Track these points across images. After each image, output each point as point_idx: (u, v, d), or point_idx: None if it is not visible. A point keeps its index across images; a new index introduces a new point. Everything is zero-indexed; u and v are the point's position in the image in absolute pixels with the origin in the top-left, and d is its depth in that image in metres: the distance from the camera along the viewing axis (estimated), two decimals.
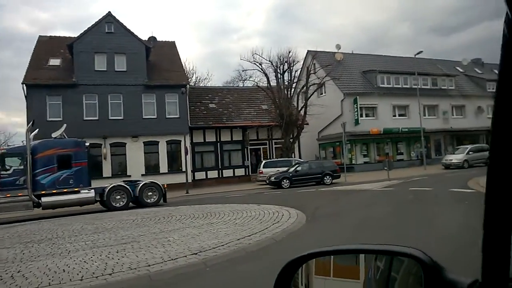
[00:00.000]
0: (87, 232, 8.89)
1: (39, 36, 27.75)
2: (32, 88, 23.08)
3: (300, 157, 28.56)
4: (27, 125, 23.39)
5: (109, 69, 24.72)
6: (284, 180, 20.78)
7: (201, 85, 41.08)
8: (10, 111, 71.91)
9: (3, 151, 13.78)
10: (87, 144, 15.65)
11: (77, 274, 5.13)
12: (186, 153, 23.72)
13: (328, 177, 21.14)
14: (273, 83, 28.85)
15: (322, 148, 34.28)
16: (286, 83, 29.07)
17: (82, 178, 14.71)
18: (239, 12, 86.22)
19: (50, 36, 28.41)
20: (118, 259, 5.79)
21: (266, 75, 28.63)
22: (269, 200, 13.62)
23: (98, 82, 24.08)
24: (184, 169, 24.07)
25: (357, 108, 30.50)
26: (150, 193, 15.66)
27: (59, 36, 28.45)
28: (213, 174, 27.50)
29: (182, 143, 24.85)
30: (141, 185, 15.52)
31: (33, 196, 13.48)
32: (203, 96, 30.17)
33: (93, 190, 14.69)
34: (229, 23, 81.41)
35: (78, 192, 14.40)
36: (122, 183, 15.64)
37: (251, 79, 31.36)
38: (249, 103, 30.77)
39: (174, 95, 25.92)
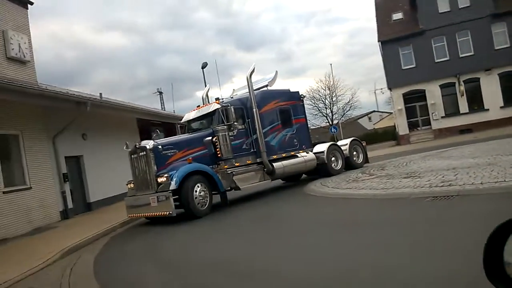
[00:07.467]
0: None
1: None
2: (386, 44, 26.74)
3: None
4: (387, 80, 26.84)
5: (452, 8, 25.12)
6: None
7: None
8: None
9: (224, 105, 10.19)
10: (303, 95, 12.74)
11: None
12: None
13: None
14: None
15: None
16: None
17: (305, 138, 12.19)
18: None
19: None
20: None
21: None
22: None
23: (444, 23, 24.97)
24: None
25: None
26: (355, 153, 13.28)
27: None
28: None
29: None
30: (349, 142, 13.08)
31: (268, 162, 10.57)
32: None
33: (311, 152, 11.97)
34: None
35: (296, 156, 11.59)
36: (336, 143, 13.26)
37: None
38: None
39: None
